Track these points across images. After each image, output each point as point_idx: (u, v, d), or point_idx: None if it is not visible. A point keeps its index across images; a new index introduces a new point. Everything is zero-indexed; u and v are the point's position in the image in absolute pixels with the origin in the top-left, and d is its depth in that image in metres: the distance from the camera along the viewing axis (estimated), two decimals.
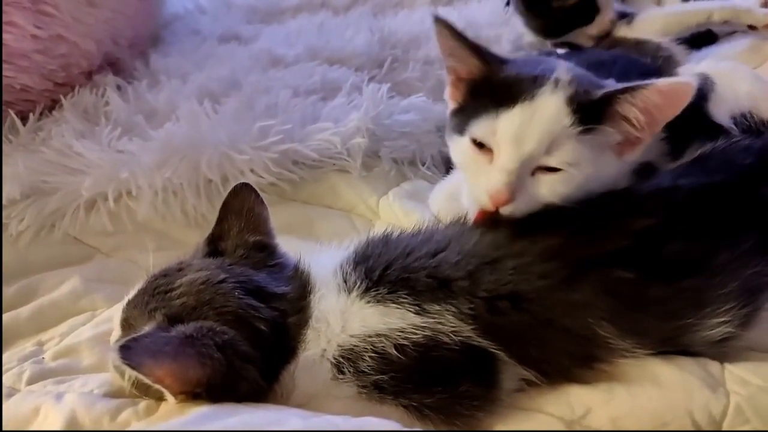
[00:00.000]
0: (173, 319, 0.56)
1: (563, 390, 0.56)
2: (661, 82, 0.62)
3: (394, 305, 0.56)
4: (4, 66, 1.00)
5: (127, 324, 0.60)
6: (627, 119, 0.62)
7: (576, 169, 0.61)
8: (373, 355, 0.55)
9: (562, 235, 0.59)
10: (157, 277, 0.63)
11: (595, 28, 1.11)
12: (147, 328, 0.55)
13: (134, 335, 0.53)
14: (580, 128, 0.61)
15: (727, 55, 1.08)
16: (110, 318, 0.75)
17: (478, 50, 0.66)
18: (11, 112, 1.01)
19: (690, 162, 0.72)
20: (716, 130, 0.84)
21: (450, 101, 0.70)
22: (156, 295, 0.59)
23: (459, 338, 0.55)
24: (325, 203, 0.93)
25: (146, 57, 1.24)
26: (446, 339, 0.55)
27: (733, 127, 0.85)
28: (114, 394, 0.60)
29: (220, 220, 0.68)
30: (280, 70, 1.17)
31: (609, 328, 0.55)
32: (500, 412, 0.56)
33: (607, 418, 0.54)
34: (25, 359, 0.69)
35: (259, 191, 0.92)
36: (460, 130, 0.66)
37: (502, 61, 0.68)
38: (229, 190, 0.69)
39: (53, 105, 1.08)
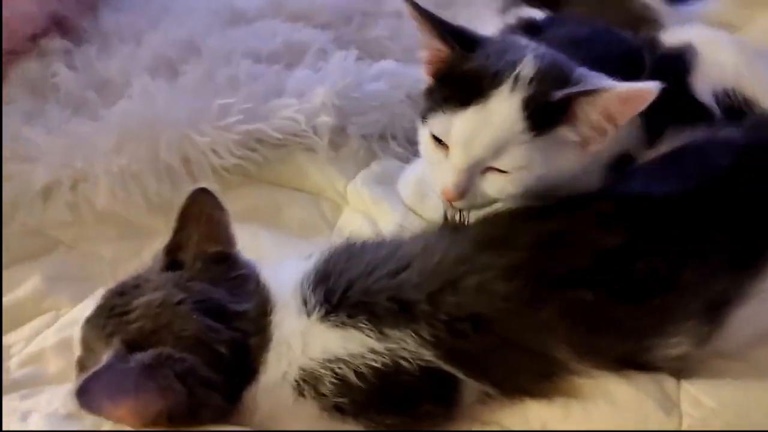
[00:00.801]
0: (131, 346, 0.55)
1: (521, 405, 0.57)
2: (622, 87, 0.60)
3: (354, 330, 0.56)
4: None
5: (86, 345, 0.59)
6: (585, 120, 0.61)
7: (526, 171, 0.61)
8: (333, 379, 0.55)
9: (528, 249, 0.58)
10: (114, 294, 0.61)
11: None
12: (105, 357, 0.54)
13: (91, 373, 0.52)
14: (534, 133, 0.60)
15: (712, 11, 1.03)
16: (74, 321, 0.74)
17: (443, 35, 0.64)
18: None
19: (666, 158, 0.70)
20: (696, 110, 0.82)
21: (426, 78, 0.68)
22: (113, 317, 0.58)
23: (419, 362, 0.55)
24: (293, 185, 0.90)
25: (96, 13, 1.15)
26: (406, 364, 0.55)
27: (715, 105, 0.82)
28: (78, 414, 0.60)
29: (179, 229, 0.65)
30: (241, 28, 1.10)
31: (568, 350, 0.55)
32: (459, 425, 0.58)
33: None
34: None
35: (228, 176, 0.91)
36: (423, 118, 0.65)
37: (470, 47, 0.65)
38: (188, 193, 0.66)
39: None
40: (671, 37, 0.92)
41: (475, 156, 0.61)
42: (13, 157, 0.87)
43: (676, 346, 0.55)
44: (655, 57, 0.87)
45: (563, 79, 0.63)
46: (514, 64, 0.62)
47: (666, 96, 0.83)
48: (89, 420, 0.59)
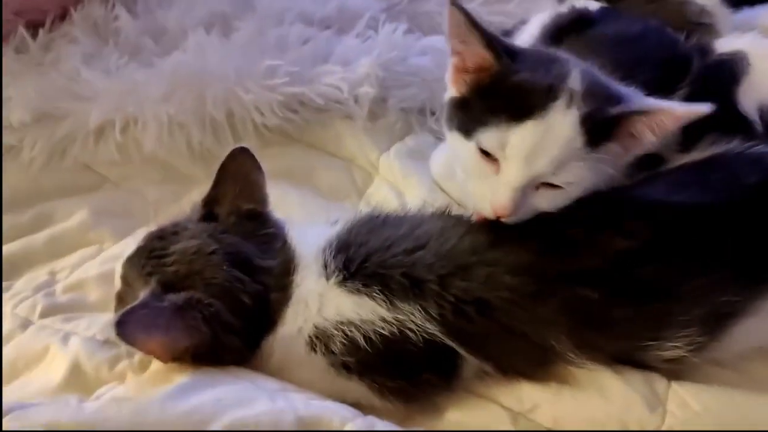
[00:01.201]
0: (166, 286, 0.60)
1: (517, 385, 0.61)
2: (678, 108, 0.60)
3: (367, 298, 0.60)
4: None
5: (125, 281, 0.65)
6: (633, 135, 0.61)
7: (577, 186, 0.61)
8: (343, 339, 0.59)
9: (538, 249, 0.60)
10: (154, 237, 0.66)
11: None
12: (142, 294, 0.59)
13: (130, 307, 0.57)
14: (589, 148, 0.60)
15: None
16: (116, 256, 0.80)
17: (492, 45, 0.62)
18: (20, 27, 1.00)
19: (693, 168, 0.70)
20: (737, 122, 0.81)
21: (451, 87, 0.67)
22: (151, 258, 0.63)
23: (424, 335, 0.59)
24: (329, 149, 0.94)
25: None
26: (412, 335, 0.59)
27: (758, 120, 0.81)
28: (113, 341, 0.66)
29: (217, 183, 0.69)
30: None
31: (567, 343, 0.58)
32: (456, 397, 0.61)
33: (550, 416, 0.59)
34: (39, 289, 0.76)
35: (268, 134, 0.94)
36: (466, 131, 0.63)
37: (513, 57, 0.63)
38: (229, 151, 0.70)
39: (64, 15, 1.06)
40: (725, 44, 0.90)
41: (537, 172, 0.59)
42: (71, 96, 0.92)
43: (672, 350, 0.57)
44: (706, 63, 0.86)
45: (610, 95, 0.62)
46: (564, 78, 0.61)
47: (712, 97, 0.83)
48: (123, 348, 0.65)
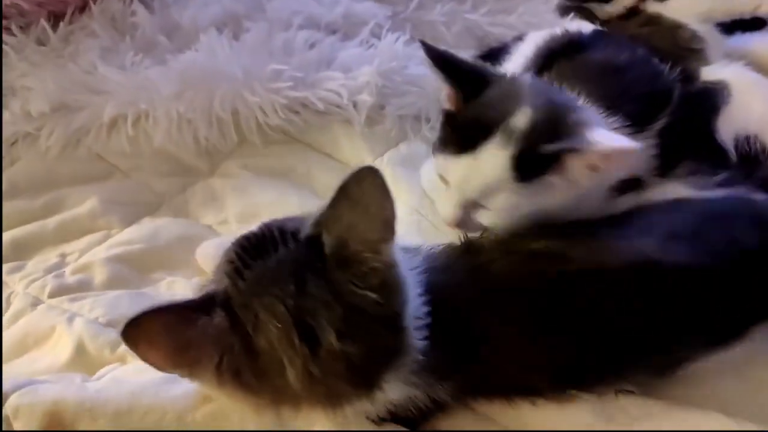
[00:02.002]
0: (222, 300, 0.52)
1: None
2: (604, 145, 0.63)
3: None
4: None
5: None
6: (572, 170, 0.65)
7: (513, 210, 0.67)
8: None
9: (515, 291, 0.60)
10: (254, 237, 0.56)
11: (612, 7, 1.06)
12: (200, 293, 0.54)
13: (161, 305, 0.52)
14: (521, 182, 0.66)
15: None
16: (122, 242, 0.86)
17: (450, 78, 0.70)
18: (42, 19, 1.05)
19: (689, 213, 0.70)
20: (713, 151, 0.85)
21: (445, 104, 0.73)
22: (237, 260, 0.54)
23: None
24: (326, 151, 0.99)
25: None
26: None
27: (732, 150, 0.85)
28: (114, 324, 0.72)
29: (333, 204, 0.54)
30: None
31: (542, 380, 0.60)
32: None
33: None
34: (49, 271, 0.81)
35: (270, 133, 0.98)
36: (433, 150, 0.73)
37: (479, 89, 0.70)
38: (354, 169, 0.54)
39: (84, 7, 1.12)
40: (710, 72, 0.94)
41: (467, 197, 0.69)
42: (88, 89, 0.98)
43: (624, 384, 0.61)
44: (689, 90, 0.90)
45: (556, 129, 0.65)
46: (507, 116, 0.66)
47: (687, 131, 0.86)
48: None
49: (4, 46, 1.03)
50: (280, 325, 0.50)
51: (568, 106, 0.69)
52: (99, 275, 0.81)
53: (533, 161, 0.65)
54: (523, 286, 0.61)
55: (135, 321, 0.50)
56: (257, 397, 0.53)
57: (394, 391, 0.55)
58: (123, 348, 0.69)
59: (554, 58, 0.87)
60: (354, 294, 0.52)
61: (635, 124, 0.77)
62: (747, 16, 1.05)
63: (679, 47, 1.00)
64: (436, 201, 0.76)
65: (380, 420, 0.57)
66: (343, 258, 0.53)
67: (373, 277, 0.53)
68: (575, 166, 0.65)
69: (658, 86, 0.85)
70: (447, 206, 0.71)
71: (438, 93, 1.03)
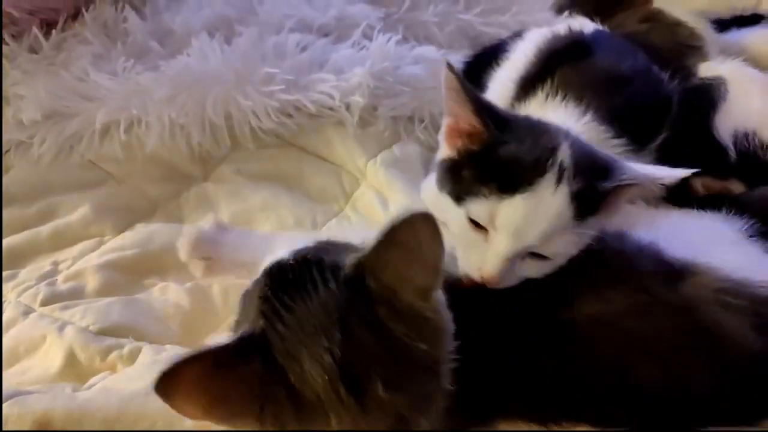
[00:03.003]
0: (257, 343, 0.50)
1: None
2: (662, 176, 0.62)
3: None
4: None
5: (243, 300, 0.55)
6: (621, 202, 0.64)
7: (563, 256, 0.62)
8: None
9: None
10: (283, 277, 0.53)
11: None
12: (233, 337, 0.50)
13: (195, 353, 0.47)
14: (578, 221, 0.61)
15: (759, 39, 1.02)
16: (115, 248, 0.86)
17: (481, 113, 0.63)
18: (34, 28, 1.05)
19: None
20: (712, 149, 0.84)
21: (445, 147, 0.67)
22: (273, 298, 0.51)
23: None
24: (320, 154, 0.98)
25: None
26: None
27: (731, 147, 0.84)
28: (104, 332, 0.72)
29: (380, 248, 0.50)
30: None
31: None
32: None
33: None
34: (42, 279, 0.81)
35: (263, 137, 0.98)
36: (456, 197, 0.63)
37: (504, 126, 0.64)
38: (405, 215, 0.50)
39: (76, 14, 1.11)
40: (708, 69, 0.93)
41: (526, 244, 0.60)
42: (80, 96, 0.98)
43: None
44: (686, 87, 0.89)
45: (597, 168, 0.63)
46: (553, 152, 0.62)
47: (684, 131, 0.86)
48: (112, 340, 0.71)
49: None
50: (326, 377, 0.48)
51: (596, 149, 0.67)
52: (91, 282, 0.81)
53: (590, 200, 0.61)
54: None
55: (170, 372, 0.46)
56: None
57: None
58: (113, 356, 0.69)
59: (556, 62, 0.84)
60: (404, 345, 0.50)
61: (637, 142, 0.77)
62: (747, 13, 1.04)
63: (678, 44, 1.00)
64: (460, 253, 0.63)
65: None
66: (394, 308, 0.50)
67: (424, 327, 0.51)
68: (628, 196, 0.64)
69: (659, 97, 0.84)
70: (488, 259, 0.61)
71: (432, 92, 1.03)
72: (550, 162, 0.61)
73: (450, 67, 0.62)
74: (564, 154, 0.62)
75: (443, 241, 0.51)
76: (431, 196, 0.81)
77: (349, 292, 0.50)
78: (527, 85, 0.84)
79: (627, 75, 0.82)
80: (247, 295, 0.54)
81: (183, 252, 0.79)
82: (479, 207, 0.61)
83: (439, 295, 0.53)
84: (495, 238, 0.61)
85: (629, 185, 0.62)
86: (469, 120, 0.63)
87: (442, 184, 0.66)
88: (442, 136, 0.68)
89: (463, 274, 0.63)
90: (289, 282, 0.51)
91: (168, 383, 0.46)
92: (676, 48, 1.01)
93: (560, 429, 0.59)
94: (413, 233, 0.50)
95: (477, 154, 0.63)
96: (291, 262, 0.53)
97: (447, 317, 0.54)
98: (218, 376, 0.47)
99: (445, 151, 0.67)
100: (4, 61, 1.03)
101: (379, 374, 0.49)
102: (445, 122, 0.66)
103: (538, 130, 0.65)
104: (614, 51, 0.88)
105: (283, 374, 0.48)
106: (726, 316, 0.58)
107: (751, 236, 0.67)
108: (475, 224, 0.62)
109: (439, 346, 0.52)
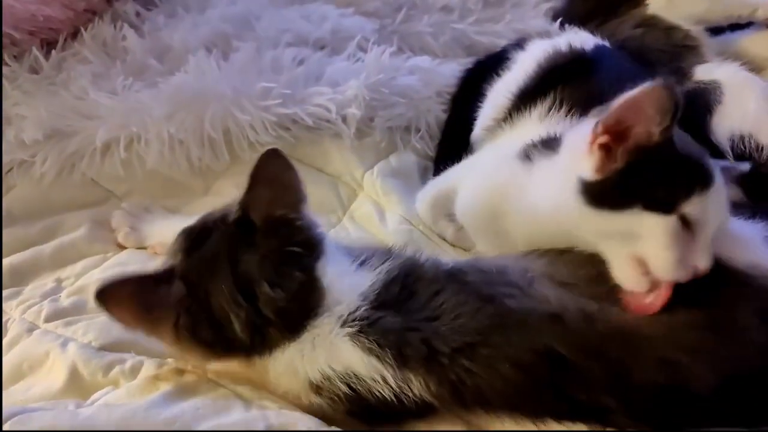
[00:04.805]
0: (181, 275, 0.64)
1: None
2: None
3: (377, 359, 0.61)
4: None
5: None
6: None
7: None
8: (348, 391, 0.62)
9: (537, 354, 0.60)
10: (200, 224, 0.68)
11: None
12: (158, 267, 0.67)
13: (127, 276, 0.65)
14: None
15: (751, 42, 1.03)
16: (118, 263, 0.87)
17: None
18: (34, 48, 1.07)
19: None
20: (710, 152, 0.84)
21: (594, 173, 0.64)
22: (184, 243, 0.67)
23: (417, 400, 0.61)
24: (317, 166, 0.99)
25: None
26: (405, 400, 0.61)
27: (728, 150, 0.85)
28: (107, 347, 0.73)
29: (249, 188, 0.67)
30: (295, 9, 1.18)
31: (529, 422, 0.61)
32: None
33: None
34: (46, 296, 0.82)
35: (262, 150, 0.98)
36: (663, 205, 0.62)
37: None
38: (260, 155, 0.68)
39: (76, 33, 1.13)
40: (704, 72, 0.94)
41: (722, 226, 0.64)
42: (80, 114, 0.99)
43: None
44: (683, 89, 0.89)
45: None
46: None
47: (688, 126, 0.86)
48: (114, 355, 0.72)
49: None
50: (227, 289, 0.63)
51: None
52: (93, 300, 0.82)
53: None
54: None
55: (106, 287, 0.63)
56: (210, 350, 0.64)
57: (327, 348, 0.62)
58: (115, 371, 0.70)
59: (556, 80, 0.84)
60: (281, 251, 0.64)
61: None
62: (743, 21, 1.05)
63: (674, 46, 1.01)
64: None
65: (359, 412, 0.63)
66: (273, 225, 0.65)
67: (297, 234, 0.66)
68: None
69: None
70: (701, 254, 0.62)
71: (427, 104, 1.04)
72: (705, 158, 0.65)
73: (670, 85, 0.61)
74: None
75: (293, 166, 0.68)
76: (426, 199, 0.84)
77: (237, 227, 0.66)
78: (526, 99, 0.85)
79: (612, 89, 0.79)
80: (170, 247, 0.69)
81: (113, 221, 0.91)
82: (694, 204, 0.62)
83: (310, 213, 0.68)
84: (705, 232, 0.62)
85: None
86: (650, 128, 0.62)
87: (615, 199, 0.63)
88: (592, 168, 0.64)
89: (669, 277, 0.62)
90: (197, 232, 0.68)
91: (104, 294, 0.63)
92: (672, 50, 1.03)
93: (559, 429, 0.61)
94: (271, 167, 0.67)
95: (650, 159, 0.62)
96: (197, 223, 0.69)
97: (321, 232, 0.69)
98: (145, 293, 0.63)
99: (588, 176, 0.64)
100: (5, 82, 1.05)
101: (264, 277, 0.63)
102: (597, 150, 0.64)
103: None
104: (614, 69, 0.88)
105: (196, 291, 0.64)
106: None
107: None
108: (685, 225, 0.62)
109: (313, 253, 0.66)
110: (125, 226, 0.90)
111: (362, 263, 0.67)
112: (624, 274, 0.63)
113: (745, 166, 0.82)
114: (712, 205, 0.63)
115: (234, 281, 0.63)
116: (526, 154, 0.73)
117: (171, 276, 0.64)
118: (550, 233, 0.68)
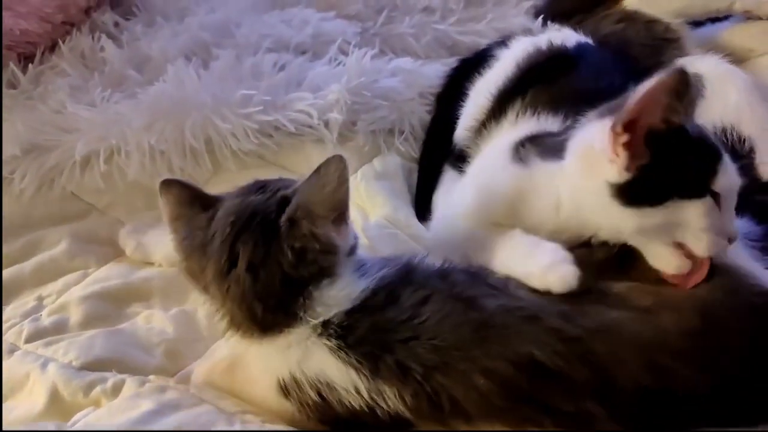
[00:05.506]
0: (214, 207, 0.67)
1: None
2: None
3: (353, 369, 0.60)
4: (3, 12, 1.04)
5: None
6: None
7: None
8: (316, 398, 0.61)
9: (514, 364, 0.59)
10: (249, 186, 0.69)
11: None
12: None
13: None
14: None
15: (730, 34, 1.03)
16: (99, 279, 0.86)
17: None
18: (11, 63, 1.05)
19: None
20: None
21: (623, 173, 0.62)
22: (248, 187, 0.68)
23: (391, 413, 0.60)
24: (301, 171, 0.97)
25: None
26: (380, 412, 0.60)
27: None
28: (87, 366, 0.71)
29: (308, 179, 0.65)
30: (275, 14, 1.17)
31: None
32: None
33: None
34: (26, 315, 0.81)
35: (245, 158, 0.97)
36: (692, 189, 0.62)
37: None
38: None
39: (54, 46, 1.12)
40: (684, 65, 0.93)
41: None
42: (58, 128, 0.98)
43: None
44: None
45: None
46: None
47: None
48: (95, 374, 0.70)
49: None
50: (223, 239, 0.63)
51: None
52: (75, 315, 0.80)
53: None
54: None
55: (174, 181, 0.70)
56: (196, 280, 0.66)
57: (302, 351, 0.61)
58: (96, 391, 0.68)
59: (533, 79, 0.84)
60: (281, 249, 0.62)
61: None
62: (721, 14, 1.04)
63: (654, 39, 1.00)
64: (702, 243, 0.62)
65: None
66: (293, 221, 0.63)
67: (298, 242, 0.62)
68: None
69: None
70: (732, 218, 0.64)
71: (410, 105, 1.03)
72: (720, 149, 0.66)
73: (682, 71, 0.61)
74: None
75: (348, 182, 0.64)
76: (468, 209, 0.76)
77: (274, 202, 0.64)
78: (504, 99, 0.84)
79: (604, 90, 0.79)
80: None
81: (120, 239, 0.91)
82: (724, 180, 0.64)
83: (343, 239, 0.65)
84: (728, 200, 0.64)
85: None
86: (664, 111, 0.61)
87: (651, 194, 0.62)
88: (616, 171, 0.63)
89: (712, 254, 0.63)
90: (248, 189, 0.68)
91: (169, 186, 0.69)
92: (653, 44, 1.02)
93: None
94: (327, 170, 0.64)
95: (665, 137, 0.62)
96: (257, 181, 0.70)
97: (339, 260, 0.64)
98: (187, 204, 0.67)
99: (614, 178, 0.63)
100: None
101: (249, 256, 0.62)
102: (621, 152, 0.62)
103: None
104: (593, 68, 0.87)
105: (209, 227, 0.65)
106: None
107: None
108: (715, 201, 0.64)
109: (304, 270, 0.63)
110: (132, 241, 0.90)
111: (363, 274, 0.64)
112: (666, 262, 0.63)
113: None
114: (730, 173, 0.64)
115: (230, 242, 0.63)
116: (519, 157, 0.71)
117: (212, 205, 0.67)
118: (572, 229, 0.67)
